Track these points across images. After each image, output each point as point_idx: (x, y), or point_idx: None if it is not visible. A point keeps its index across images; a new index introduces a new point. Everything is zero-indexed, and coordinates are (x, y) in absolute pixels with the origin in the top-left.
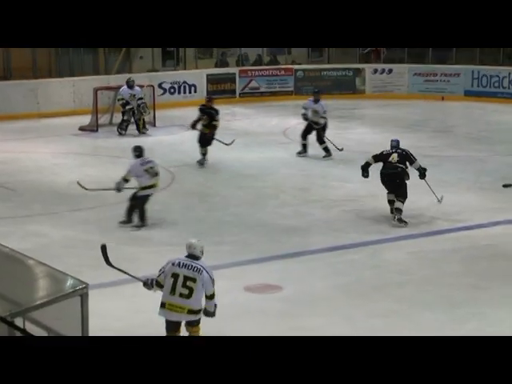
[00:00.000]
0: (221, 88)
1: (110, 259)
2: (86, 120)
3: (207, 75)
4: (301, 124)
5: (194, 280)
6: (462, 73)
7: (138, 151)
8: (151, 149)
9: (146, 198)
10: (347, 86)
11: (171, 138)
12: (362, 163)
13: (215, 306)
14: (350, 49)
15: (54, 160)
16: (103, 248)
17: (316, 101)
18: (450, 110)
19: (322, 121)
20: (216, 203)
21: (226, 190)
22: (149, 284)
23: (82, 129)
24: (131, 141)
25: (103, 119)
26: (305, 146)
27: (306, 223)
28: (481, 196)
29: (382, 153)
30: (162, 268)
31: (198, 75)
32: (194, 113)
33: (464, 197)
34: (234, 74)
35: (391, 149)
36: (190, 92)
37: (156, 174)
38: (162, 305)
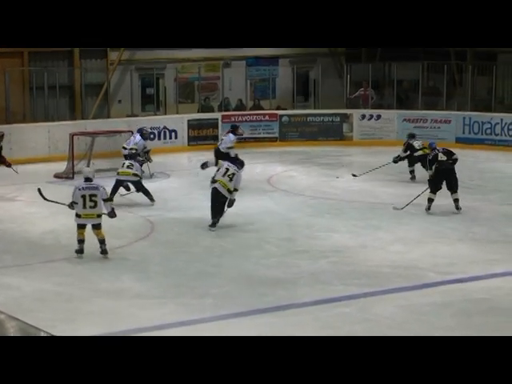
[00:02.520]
0: (202, 134)
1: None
2: (61, 167)
3: (188, 120)
4: (287, 171)
5: (95, 195)
6: (453, 119)
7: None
8: (129, 197)
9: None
10: (334, 132)
11: (151, 186)
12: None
13: (112, 208)
14: (337, 94)
15: (27, 209)
16: (39, 191)
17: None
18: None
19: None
20: (197, 254)
21: (208, 239)
22: (71, 206)
23: (57, 176)
24: (110, 190)
25: (79, 166)
26: None
27: (291, 275)
28: (474, 247)
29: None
30: (72, 195)
31: (178, 120)
32: (174, 159)
33: (456, 248)
34: (217, 119)
35: (432, 150)
36: (170, 138)
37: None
38: (78, 215)
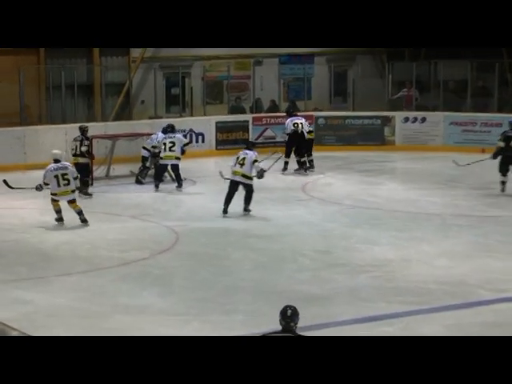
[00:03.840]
0: (232, 137)
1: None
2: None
3: (216, 123)
4: (323, 178)
5: (66, 174)
6: (505, 122)
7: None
8: (152, 205)
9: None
10: (375, 137)
11: (176, 194)
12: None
13: (78, 176)
14: (377, 94)
15: (42, 217)
16: (4, 181)
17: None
18: (491, 164)
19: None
20: (226, 267)
21: (237, 252)
22: (39, 187)
23: None
24: (132, 197)
25: (99, 171)
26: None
27: (327, 291)
28: None
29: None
30: (44, 177)
31: (206, 123)
32: (201, 165)
33: (508, 263)
34: (247, 121)
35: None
36: (196, 141)
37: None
38: (54, 194)
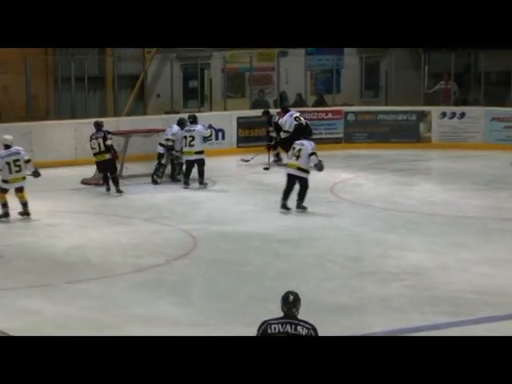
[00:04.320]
0: (254, 134)
1: None
2: (89, 172)
3: (238, 118)
4: (353, 178)
5: (18, 159)
6: None
7: None
8: (167, 207)
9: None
10: (409, 133)
11: (193, 195)
12: None
13: (35, 168)
14: (412, 88)
15: (50, 220)
16: None
17: None
18: None
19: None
20: (247, 274)
21: (260, 258)
22: None
23: (84, 182)
24: (146, 198)
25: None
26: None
27: (358, 300)
28: None
29: None
30: None
31: (226, 118)
32: (221, 163)
33: None
34: (271, 116)
35: None
36: (216, 138)
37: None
38: (6, 181)
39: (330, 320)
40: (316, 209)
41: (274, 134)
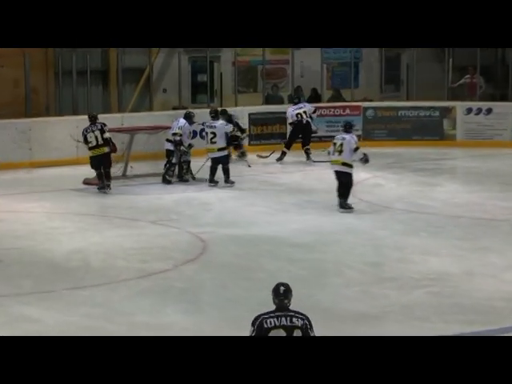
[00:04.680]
0: (268, 131)
1: None
2: (92, 171)
3: (250, 114)
4: (372, 178)
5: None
6: None
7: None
8: (175, 208)
9: None
10: (432, 131)
11: (203, 196)
12: None
13: None
14: (436, 82)
15: (49, 222)
16: None
17: None
18: None
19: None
20: (260, 281)
21: (273, 263)
22: None
23: (86, 182)
24: (152, 199)
25: (115, 170)
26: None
27: (378, 308)
28: None
29: None
30: None
31: (237, 114)
32: (231, 163)
33: None
34: (285, 113)
35: None
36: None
37: None
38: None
39: (348, 329)
40: (333, 211)
41: (238, 134)
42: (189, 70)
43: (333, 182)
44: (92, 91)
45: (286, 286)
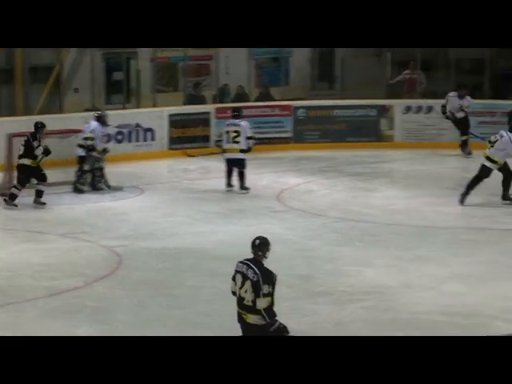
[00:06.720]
0: (189, 133)
1: None
2: None
3: (170, 115)
4: (304, 184)
5: None
6: None
7: None
8: (87, 220)
9: None
10: (369, 131)
11: (119, 206)
12: None
13: None
14: (372, 78)
15: None
16: None
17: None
18: None
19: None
20: (181, 297)
21: (195, 278)
22: None
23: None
24: (63, 210)
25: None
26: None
27: (308, 326)
28: None
29: None
30: None
31: (156, 115)
32: (150, 169)
33: None
34: (209, 113)
35: None
36: (145, 139)
37: None
38: None
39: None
40: (260, 220)
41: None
42: (103, 67)
43: (261, 188)
44: None
45: (263, 239)
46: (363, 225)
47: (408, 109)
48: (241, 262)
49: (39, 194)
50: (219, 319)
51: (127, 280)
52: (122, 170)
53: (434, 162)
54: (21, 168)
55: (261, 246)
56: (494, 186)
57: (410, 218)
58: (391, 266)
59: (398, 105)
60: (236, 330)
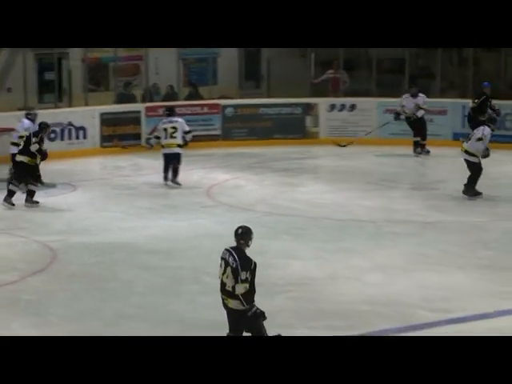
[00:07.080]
0: (120, 132)
1: None
2: None
3: (101, 114)
4: (232, 179)
5: None
6: (450, 109)
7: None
8: (22, 216)
9: None
10: (295, 128)
11: (51, 202)
12: None
13: None
14: (298, 77)
15: None
16: None
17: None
18: (434, 160)
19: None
20: (114, 290)
21: (128, 271)
22: None
23: None
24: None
25: None
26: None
27: None
28: (477, 276)
29: None
30: None
31: (88, 114)
32: (82, 166)
33: (454, 277)
34: (139, 112)
35: None
36: (77, 137)
37: None
38: None
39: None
40: (190, 215)
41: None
42: (35, 67)
43: (191, 184)
44: None
45: (246, 229)
46: (290, 219)
47: (332, 107)
48: (226, 249)
49: (31, 193)
50: (153, 311)
51: (61, 274)
52: (55, 168)
53: (356, 157)
54: (18, 164)
55: (243, 234)
56: (414, 179)
57: (334, 211)
58: (317, 258)
59: (322, 103)
60: (170, 323)
